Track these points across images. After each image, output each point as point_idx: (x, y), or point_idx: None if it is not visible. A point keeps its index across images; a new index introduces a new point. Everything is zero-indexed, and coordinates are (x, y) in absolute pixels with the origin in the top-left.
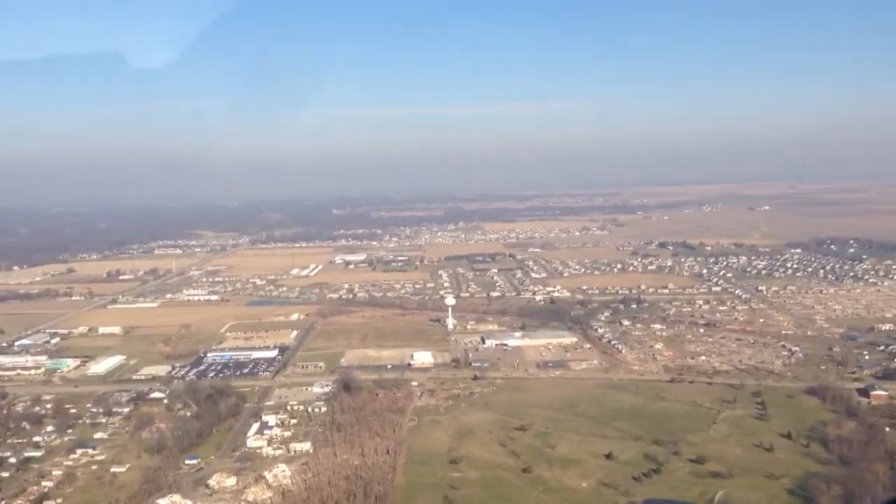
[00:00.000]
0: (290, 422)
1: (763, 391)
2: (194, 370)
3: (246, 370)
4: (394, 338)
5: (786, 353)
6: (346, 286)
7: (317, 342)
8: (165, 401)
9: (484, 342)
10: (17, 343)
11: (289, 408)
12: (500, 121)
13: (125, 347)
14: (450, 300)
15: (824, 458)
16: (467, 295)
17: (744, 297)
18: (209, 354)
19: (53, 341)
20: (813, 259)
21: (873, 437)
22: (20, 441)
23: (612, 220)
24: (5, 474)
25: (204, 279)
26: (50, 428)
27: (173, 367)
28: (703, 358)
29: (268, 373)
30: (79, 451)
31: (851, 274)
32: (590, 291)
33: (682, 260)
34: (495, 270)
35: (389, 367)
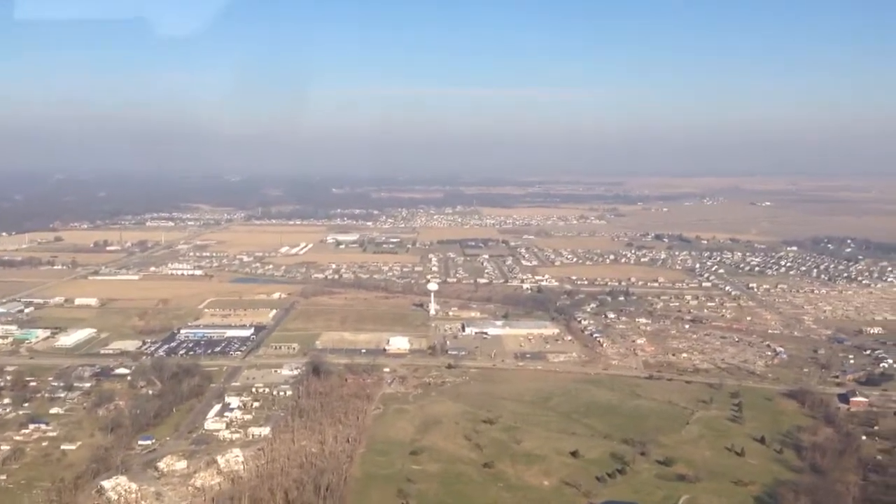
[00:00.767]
0: (252, 405)
1: (742, 392)
2: (165, 346)
3: (218, 349)
4: (373, 321)
5: (769, 353)
6: (334, 266)
7: (294, 322)
8: (129, 377)
9: (464, 329)
10: None
11: (254, 390)
12: (519, 106)
13: (99, 320)
14: (432, 285)
15: (796, 465)
16: (454, 280)
17: (733, 293)
18: (182, 331)
19: (27, 311)
20: (808, 257)
21: (848, 446)
22: None
23: (612, 209)
24: None
25: (191, 253)
26: (7, 400)
27: (144, 343)
28: (684, 355)
29: (240, 352)
30: (31, 427)
31: (845, 274)
32: (579, 282)
33: (676, 253)
34: (486, 256)
35: (364, 351)
